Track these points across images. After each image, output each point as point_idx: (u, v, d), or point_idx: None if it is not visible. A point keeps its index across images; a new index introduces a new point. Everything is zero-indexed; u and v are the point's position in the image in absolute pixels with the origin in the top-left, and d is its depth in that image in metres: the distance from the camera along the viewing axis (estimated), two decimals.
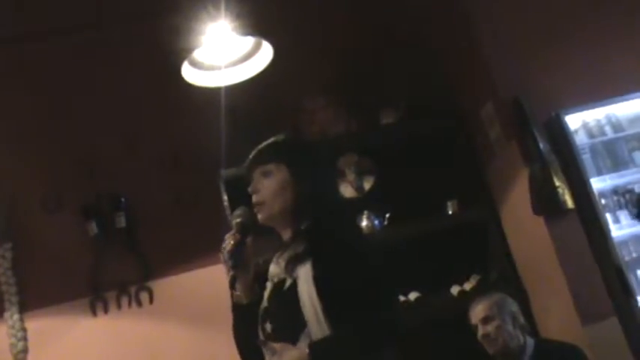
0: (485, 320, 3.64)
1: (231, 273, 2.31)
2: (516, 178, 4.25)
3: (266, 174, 2.35)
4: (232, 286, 2.33)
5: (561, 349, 3.66)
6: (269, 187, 2.33)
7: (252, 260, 2.37)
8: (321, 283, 2.15)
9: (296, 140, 2.50)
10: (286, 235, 2.35)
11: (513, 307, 3.70)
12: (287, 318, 2.21)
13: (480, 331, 3.64)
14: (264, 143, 2.43)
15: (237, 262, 2.30)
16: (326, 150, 4.43)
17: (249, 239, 2.35)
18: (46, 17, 4.66)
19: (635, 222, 4.02)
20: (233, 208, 4.21)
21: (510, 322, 3.63)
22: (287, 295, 2.22)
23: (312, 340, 2.12)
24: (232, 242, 2.31)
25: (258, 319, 2.31)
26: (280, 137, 2.45)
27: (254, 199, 2.35)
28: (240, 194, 2.44)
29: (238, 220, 2.36)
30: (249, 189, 2.37)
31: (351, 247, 2.23)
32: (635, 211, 3.95)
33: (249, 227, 2.35)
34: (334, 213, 2.35)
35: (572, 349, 3.62)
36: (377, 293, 2.16)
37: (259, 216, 2.34)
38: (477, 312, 3.68)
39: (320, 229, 2.25)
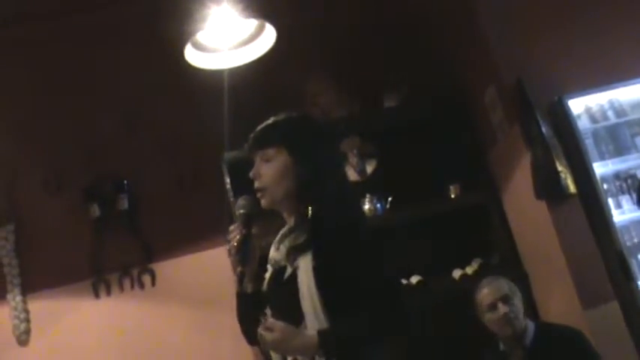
0: (505, 299, 3.61)
1: (240, 269, 2.26)
2: (519, 163, 4.25)
3: (267, 159, 2.29)
4: (241, 281, 2.28)
5: (563, 332, 3.66)
6: (270, 173, 2.27)
7: (258, 250, 2.33)
8: (320, 274, 2.12)
9: (297, 120, 2.38)
10: (290, 219, 2.31)
11: (518, 290, 3.72)
12: (286, 308, 2.18)
13: (501, 310, 3.58)
14: (264, 124, 2.36)
15: (245, 257, 2.26)
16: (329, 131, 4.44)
17: (254, 230, 2.29)
18: None
19: (637, 208, 4.01)
20: (235, 191, 4.27)
21: (521, 304, 3.65)
22: (286, 285, 2.19)
23: (320, 328, 2.09)
24: (239, 237, 2.26)
25: (261, 305, 2.29)
26: (280, 117, 2.37)
27: (256, 184, 2.30)
28: (243, 177, 2.41)
29: (242, 211, 2.30)
30: (251, 174, 2.31)
31: (353, 238, 2.17)
32: (636, 197, 3.94)
33: (254, 217, 2.29)
34: (338, 199, 2.26)
35: (573, 332, 3.63)
36: (379, 285, 2.13)
37: (262, 201, 2.29)
38: (494, 290, 3.64)
39: (322, 218, 2.19)
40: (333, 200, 2.24)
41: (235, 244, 2.26)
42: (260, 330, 2.12)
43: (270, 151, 2.28)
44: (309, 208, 2.24)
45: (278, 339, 2.08)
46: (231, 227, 2.31)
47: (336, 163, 2.35)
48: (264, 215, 2.34)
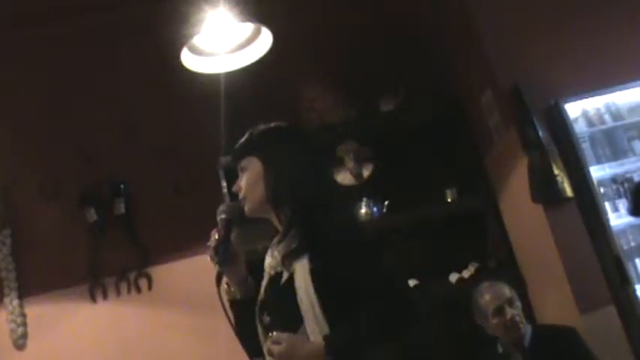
0: (510, 303, 3.63)
1: (217, 270, 2.30)
2: (515, 167, 4.25)
3: (243, 169, 2.36)
4: (218, 283, 2.31)
5: (558, 331, 3.69)
6: (245, 182, 2.34)
7: (240, 255, 2.35)
8: (317, 277, 2.12)
9: (268, 130, 2.42)
10: (280, 226, 2.32)
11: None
12: (284, 313, 2.19)
13: (508, 314, 3.59)
14: (242, 138, 2.42)
15: (222, 258, 2.28)
16: (321, 137, 4.45)
17: (233, 235, 2.32)
18: (44, 1, 4.64)
19: (631, 215, 4.01)
20: (232, 195, 4.25)
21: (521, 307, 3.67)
22: (284, 290, 2.20)
23: (325, 334, 2.09)
24: (216, 240, 2.29)
25: (255, 312, 2.30)
26: (257, 129, 2.42)
27: (239, 196, 2.37)
28: (236, 181, 2.44)
29: (222, 216, 2.33)
30: (233, 189, 2.39)
31: (346, 238, 2.18)
32: (630, 205, 3.94)
33: (234, 223, 2.32)
34: (317, 201, 2.26)
35: (567, 330, 3.66)
36: (378, 284, 2.12)
37: (245, 210, 2.34)
38: (499, 294, 3.65)
39: (311, 221, 2.20)
40: (310, 203, 2.25)
41: (213, 245, 2.29)
42: (267, 345, 2.14)
43: (245, 162, 2.36)
44: (287, 211, 2.26)
45: (286, 351, 2.09)
46: (213, 231, 2.34)
47: (313, 168, 2.35)
48: (255, 222, 2.36)
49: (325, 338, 2.07)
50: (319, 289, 2.11)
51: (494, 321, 3.62)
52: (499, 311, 3.62)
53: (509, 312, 3.60)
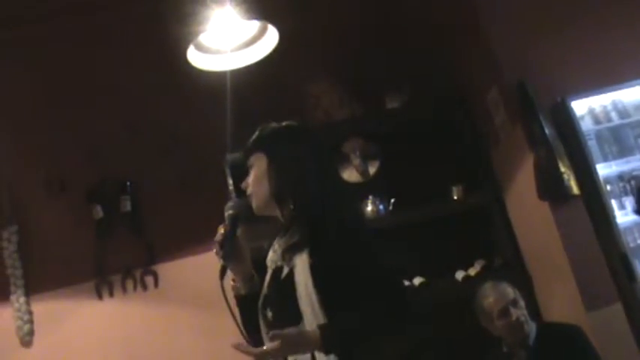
0: (515, 303, 3.61)
1: (221, 264, 2.32)
2: (521, 164, 4.24)
3: (251, 167, 2.40)
4: (222, 277, 2.31)
5: (562, 330, 3.69)
6: (252, 179, 2.38)
7: (245, 251, 2.37)
8: (317, 273, 2.13)
9: (275, 128, 2.45)
10: (282, 221, 2.35)
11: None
12: (285, 308, 2.20)
13: (514, 315, 3.57)
14: (253, 136, 2.45)
15: (227, 253, 2.30)
16: (327, 134, 4.44)
17: (239, 230, 2.34)
18: None
19: (636, 215, 4.00)
20: (238, 192, 4.26)
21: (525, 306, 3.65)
22: (284, 285, 2.22)
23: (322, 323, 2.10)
24: (222, 235, 2.31)
25: (258, 307, 2.31)
26: (267, 127, 2.45)
27: (247, 192, 2.40)
28: (245, 179, 2.45)
29: (230, 212, 2.35)
30: (242, 185, 2.42)
31: (347, 235, 2.19)
32: (635, 205, 3.94)
33: (241, 219, 2.34)
34: (320, 197, 2.28)
35: (572, 328, 3.66)
36: (377, 282, 2.14)
37: (253, 207, 2.38)
38: (503, 295, 3.63)
39: (312, 217, 2.22)
40: (313, 199, 2.27)
41: (218, 239, 2.31)
42: (267, 345, 2.15)
43: (253, 159, 2.40)
44: (291, 207, 2.29)
45: (284, 347, 2.09)
46: (219, 226, 2.36)
47: (319, 166, 2.36)
48: (262, 219, 2.39)
49: (320, 327, 2.08)
50: (318, 285, 2.13)
51: (499, 322, 3.61)
52: (504, 313, 3.60)
53: (514, 313, 3.59)
